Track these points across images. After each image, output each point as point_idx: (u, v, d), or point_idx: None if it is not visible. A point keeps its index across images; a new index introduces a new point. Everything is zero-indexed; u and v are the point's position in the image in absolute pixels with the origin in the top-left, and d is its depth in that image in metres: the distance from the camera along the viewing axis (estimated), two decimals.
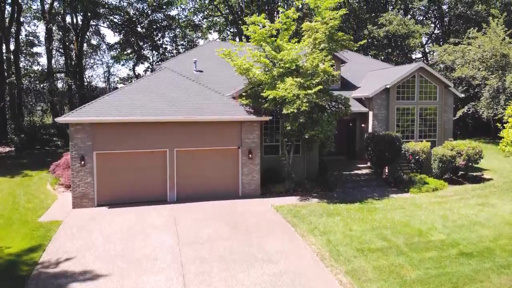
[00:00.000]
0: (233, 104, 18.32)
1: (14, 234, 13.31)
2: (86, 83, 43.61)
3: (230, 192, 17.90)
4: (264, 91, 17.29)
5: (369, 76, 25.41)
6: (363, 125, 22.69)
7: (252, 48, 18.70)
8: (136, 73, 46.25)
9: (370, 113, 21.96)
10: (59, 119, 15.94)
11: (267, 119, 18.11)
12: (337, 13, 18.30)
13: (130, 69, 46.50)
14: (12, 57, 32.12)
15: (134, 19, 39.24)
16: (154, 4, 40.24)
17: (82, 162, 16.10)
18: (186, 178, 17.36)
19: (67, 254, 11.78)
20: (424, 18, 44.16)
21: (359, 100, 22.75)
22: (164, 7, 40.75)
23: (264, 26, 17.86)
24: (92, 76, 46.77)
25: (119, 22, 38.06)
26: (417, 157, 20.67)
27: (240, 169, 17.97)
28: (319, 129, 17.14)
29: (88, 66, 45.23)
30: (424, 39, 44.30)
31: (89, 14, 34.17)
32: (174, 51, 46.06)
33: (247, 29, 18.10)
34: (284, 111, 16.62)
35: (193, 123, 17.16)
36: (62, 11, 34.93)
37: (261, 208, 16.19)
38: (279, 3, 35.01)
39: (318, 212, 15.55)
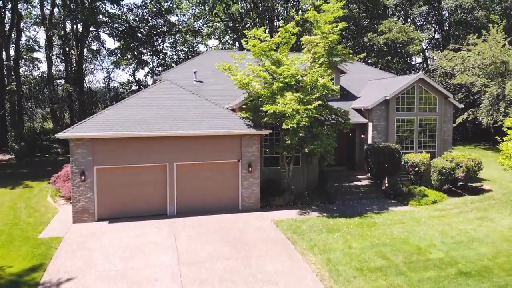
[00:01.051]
0: (233, 117, 18.37)
1: (16, 253, 13.37)
2: (86, 89, 43.66)
3: (230, 206, 17.97)
4: (264, 105, 17.36)
5: (369, 85, 25.46)
6: (362, 135, 22.74)
7: (252, 62, 18.77)
8: (136, 78, 46.39)
9: (370, 124, 22.01)
10: (60, 135, 15.98)
11: (267, 133, 18.18)
12: (336, 26, 18.38)
13: (130, 74, 46.63)
14: (12, 64, 32.19)
15: (134, 25, 39.32)
16: (154, 10, 40.32)
17: (83, 177, 16.16)
18: (186, 192, 17.44)
19: (68, 274, 11.84)
20: (424, 23, 44.17)
21: (359, 110, 22.81)
22: (164, 13, 40.80)
23: (263, 41, 17.91)
24: (92, 81, 46.79)
25: (120, 29, 38.13)
26: (416, 168, 20.73)
27: (240, 183, 18.03)
28: (319, 143, 17.21)
29: (88, 72, 45.33)
30: (424, 44, 44.29)
31: (89, 22, 34.25)
32: (174, 56, 46.20)
33: (247, 43, 18.19)
34: (284, 126, 16.69)
35: (193, 137, 17.23)
36: (62, 18, 34.96)
37: (261, 223, 16.24)
38: (279, 10, 35.06)
39: (318, 228, 15.61)
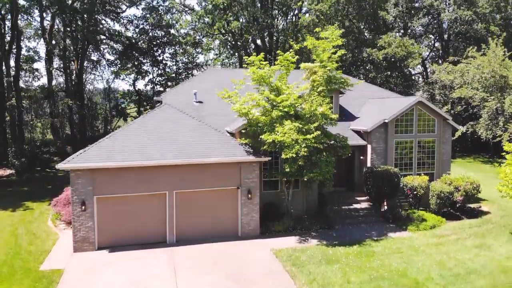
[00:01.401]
0: (232, 144, 18.49)
1: (17, 287, 13.49)
2: (86, 100, 43.78)
3: (229, 233, 18.08)
4: (263, 133, 17.47)
5: (368, 105, 25.56)
6: (361, 157, 22.86)
7: (252, 88, 18.91)
8: (136, 88, 46.52)
9: (369, 147, 22.13)
10: (61, 166, 16.09)
11: (266, 160, 18.32)
12: (335, 53, 18.52)
13: (130, 84, 46.82)
14: (12, 79, 32.37)
15: (134, 37, 39.51)
16: (154, 22, 40.53)
17: (83, 207, 16.29)
18: (185, 220, 17.54)
19: None
20: (424, 34, 44.19)
21: (358, 132, 22.92)
22: (164, 27, 41.05)
23: (261, 68, 18.07)
24: (92, 92, 46.82)
25: (119, 48, 38.34)
26: (415, 192, 20.83)
27: (240, 210, 18.14)
28: (318, 171, 17.34)
29: (88, 82, 45.51)
30: (424, 53, 44.21)
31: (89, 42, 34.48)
32: (174, 67, 46.39)
33: (247, 65, 18.36)
34: (283, 156, 16.82)
35: (192, 165, 17.35)
36: (62, 34, 35.05)
37: (261, 253, 16.32)
38: (279, 26, 35.25)
39: (317, 259, 15.70)
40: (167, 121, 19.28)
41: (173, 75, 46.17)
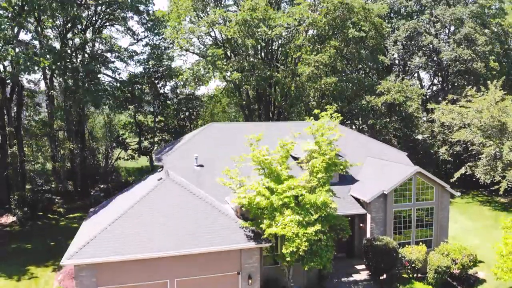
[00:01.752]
0: (233, 227, 18.76)
1: None
2: (87, 134, 43.95)
3: None
4: (264, 217, 17.76)
5: (367, 165, 25.74)
6: (361, 224, 23.16)
7: (253, 169, 19.21)
8: (137, 120, 46.78)
9: (368, 216, 22.42)
10: (64, 262, 16.42)
11: (267, 245, 18.59)
12: (334, 138, 18.81)
13: (131, 117, 47.06)
14: (13, 129, 32.70)
15: (134, 80, 39.81)
16: (155, 63, 40.91)
17: None
18: None
19: None
20: (423, 69, 44.35)
21: (357, 199, 23.20)
22: (166, 77, 41.50)
23: (263, 154, 18.37)
24: (93, 127, 47.02)
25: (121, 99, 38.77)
26: (413, 265, 21.15)
27: None
28: (318, 260, 17.64)
29: (89, 113, 45.57)
30: (425, 90, 44.33)
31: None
32: (175, 99, 46.61)
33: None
34: (284, 250, 17.14)
35: (193, 254, 17.65)
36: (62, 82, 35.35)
37: None
38: (278, 74, 35.54)
39: None
40: (170, 202, 19.45)
41: (174, 106, 46.41)
